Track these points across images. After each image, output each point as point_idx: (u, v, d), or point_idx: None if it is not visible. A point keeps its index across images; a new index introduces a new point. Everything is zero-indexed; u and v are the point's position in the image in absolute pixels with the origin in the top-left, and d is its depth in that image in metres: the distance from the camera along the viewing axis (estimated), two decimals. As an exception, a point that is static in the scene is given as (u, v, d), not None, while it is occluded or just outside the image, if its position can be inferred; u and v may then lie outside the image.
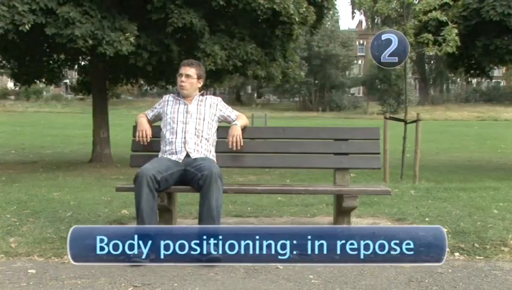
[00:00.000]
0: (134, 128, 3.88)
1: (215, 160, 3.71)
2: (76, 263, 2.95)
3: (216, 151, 3.81)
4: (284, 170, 8.70)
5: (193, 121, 3.69)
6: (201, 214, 3.33)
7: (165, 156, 3.64)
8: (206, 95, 3.87)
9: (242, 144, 3.74)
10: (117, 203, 4.86)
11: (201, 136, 3.68)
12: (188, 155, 3.60)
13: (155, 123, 3.94)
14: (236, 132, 3.75)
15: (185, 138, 3.64)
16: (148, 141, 3.79)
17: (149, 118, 3.92)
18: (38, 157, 13.18)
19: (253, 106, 46.80)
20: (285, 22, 9.93)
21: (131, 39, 8.68)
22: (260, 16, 9.51)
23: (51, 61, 12.42)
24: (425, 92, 54.60)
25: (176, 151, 3.62)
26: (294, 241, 3.49)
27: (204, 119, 3.72)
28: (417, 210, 4.46)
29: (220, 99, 3.92)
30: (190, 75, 3.74)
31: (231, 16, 10.38)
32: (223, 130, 3.89)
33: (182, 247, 3.45)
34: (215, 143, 3.83)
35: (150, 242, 3.23)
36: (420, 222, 3.99)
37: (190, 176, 3.46)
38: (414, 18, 8.57)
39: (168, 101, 3.83)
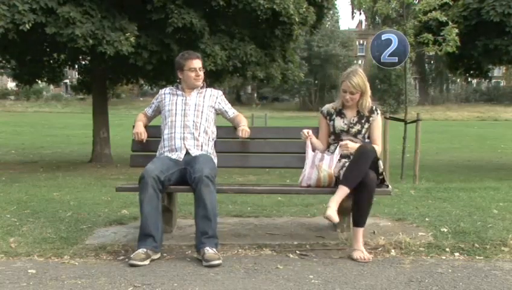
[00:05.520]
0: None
1: (214, 153, 3.72)
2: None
3: (217, 151, 3.82)
4: (284, 170, 8.68)
5: (191, 113, 3.70)
6: (196, 216, 3.32)
7: (164, 153, 3.65)
8: (206, 87, 3.88)
9: (249, 134, 3.76)
10: (117, 203, 4.86)
11: (199, 128, 3.68)
12: (187, 153, 3.60)
13: (155, 123, 3.95)
14: (245, 127, 3.78)
15: (183, 133, 3.64)
16: (144, 141, 3.81)
17: (149, 114, 3.93)
18: (38, 157, 13.18)
19: (253, 105, 46.78)
20: (285, 22, 9.93)
21: (132, 39, 8.68)
22: (260, 16, 9.50)
23: (51, 61, 12.43)
24: (425, 92, 54.59)
25: (175, 148, 3.62)
26: (295, 242, 3.52)
27: (202, 112, 3.73)
28: (417, 210, 4.46)
29: (220, 92, 3.92)
30: (201, 67, 3.79)
31: (231, 16, 10.37)
32: (224, 130, 3.91)
33: (182, 247, 3.47)
34: (214, 136, 3.83)
35: (152, 243, 3.23)
36: (420, 222, 3.99)
37: (188, 175, 3.45)
38: (414, 18, 8.57)
39: (165, 94, 3.85)
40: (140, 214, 3.31)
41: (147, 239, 3.22)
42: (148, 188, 3.27)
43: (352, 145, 3.52)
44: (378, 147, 3.60)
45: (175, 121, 3.68)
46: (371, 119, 3.66)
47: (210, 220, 3.26)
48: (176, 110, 3.72)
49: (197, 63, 3.76)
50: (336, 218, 3.22)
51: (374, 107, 3.69)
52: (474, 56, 10.38)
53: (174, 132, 3.66)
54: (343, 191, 3.27)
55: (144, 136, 3.82)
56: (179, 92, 3.80)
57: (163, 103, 3.81)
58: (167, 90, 3.88)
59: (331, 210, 3.22)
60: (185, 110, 3.71)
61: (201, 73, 3.78)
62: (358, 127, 3.63)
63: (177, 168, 3.49)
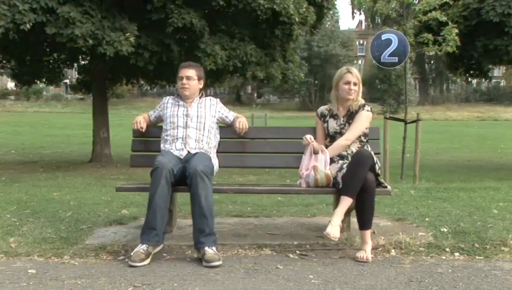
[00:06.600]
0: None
1: (214, 161, 3.71)
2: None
3: (217, 152, 3.83)
4: (284, 170, 8.69)
5: (194, 125, 3.69)
6: (193, 213, 3.30)
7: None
8: (205, 96, 3.88)
9: (246, 125, 3.85)
10: (117, 203, 4.86)
11: (202, 140, 3.68)
12: (188, 152, 3.60)
13: (157, 124, 3.96)
14: (242, 119, 3.87)
15: (185, 143, 3.64)
16: (143, 130, 3.83)
17: (152, 119, 3.93)
18: (38, 157, 13.19)
19: (253, 106, 46.80)
20: (285, 22, 9.93)
21: (132, 39, 8.68)
22: (260, 16, 9.51)
23: (51, 61, 12.43)
24: (425, 92, 54.61)
25: (177, 151, 3.62)
26: (295, 242, 3.52)
27: (205, 123, 3.73)
28: (417, 210, 4.46)
29: (218, 100, 3.92)
30: (190, 76, 3.74)
31: (231, 16, 10.38)
32: (224, 130, 3.91)
33: (182, 247, 3.47)
34: (216, 145, 3.83)
35: (155, 237, 3.22)
36: (420, 222, 3.99)
37: (186, 172, 3.45)
38: (414, 18, 8.57)
39: (167, 103, 3.84)
40: (148, 207, 3.27)
41: (150, 233, 3.20)
42: (162, 180, 3.25)
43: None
44: (343, 138, 3.59)
45: (177, 132, 3.68)
46: (357, 115, 3.66)
47: (206, 217, 3.24)
48: (177, 122, 3.70)
49: (186, 72, 3.73)
50: (336, 235, 3.20)
51: (364, 104, 3.68)
52: (474, 56, 10.39)
53: (176, 142, 3.65)
54: (346, 201, 3.26)
55: (143, 124, 3.82)
56: (181, 102, 3.78)
57: (165, 112, 3.80)
58: (170, 99, 3.87)
59: (331, 227, 3.20)
60: (186, 121, 3.69)
61: (191, 82, 3.72)
62: (347, 127, 3.66)
63: (181, 165, 3.49)
